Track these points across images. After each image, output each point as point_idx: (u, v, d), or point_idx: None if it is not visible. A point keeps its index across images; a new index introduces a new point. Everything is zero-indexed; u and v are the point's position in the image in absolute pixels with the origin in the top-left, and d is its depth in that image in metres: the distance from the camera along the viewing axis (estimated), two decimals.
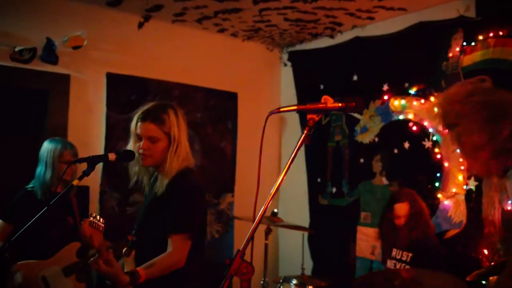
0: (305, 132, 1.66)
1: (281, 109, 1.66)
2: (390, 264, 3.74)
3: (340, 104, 1.61)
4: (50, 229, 3.41)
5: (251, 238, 1.67)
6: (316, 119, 1.61)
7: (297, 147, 1.60)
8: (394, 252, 3.73)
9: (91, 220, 2.04)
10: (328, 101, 1.61)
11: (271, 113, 1.68)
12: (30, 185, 3.49)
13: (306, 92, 5.37)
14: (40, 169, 3.47)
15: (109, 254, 2.08)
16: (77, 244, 3.45)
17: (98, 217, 2.13)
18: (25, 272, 3.27)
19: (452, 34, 3.94)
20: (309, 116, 1.64)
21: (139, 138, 2.44)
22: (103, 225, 2.10)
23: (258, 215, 1.69)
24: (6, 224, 3.38)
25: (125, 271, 2.25)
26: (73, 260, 3.37)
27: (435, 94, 4.05)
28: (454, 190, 3.90)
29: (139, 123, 2.43)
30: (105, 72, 4.52)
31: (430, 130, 4.10)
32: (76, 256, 3.40)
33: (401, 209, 3.66)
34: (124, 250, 2.34)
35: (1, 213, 3.43)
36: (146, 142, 2.40)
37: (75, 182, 2.31)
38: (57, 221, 3.44)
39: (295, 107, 1.66)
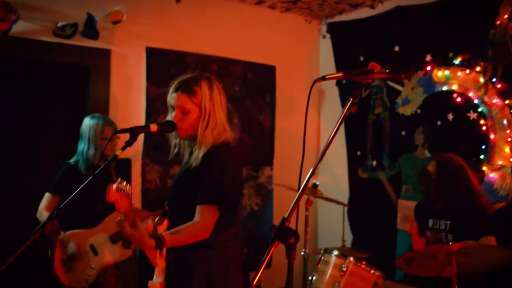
0: (351, 100, 1.62)
1: (327, 77, 1.63)
2: (430, 235, 3.68)
3: (387, 71, 1.57)
4: (95, 200, 3.50)
5: (296, 205, 1.66)
6: (364, 83, 1.57)
7: (342, 115, 1.57)
8: (431, 222, 3.66)
9: (116, 186, 2.07)
10: (375, 68, 1.57)
11: (316, 80, 1.65)
12: (73, 160, 3.58)
13: (345, 64, 5.27)
14: (82, 146, 3.55)
15: (135, 218, 2.11)
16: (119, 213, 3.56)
17: (124, 182, 2.16)
18: (74, 241, 3.40)
19: (499, 0, 3.79)
20: (355, 84, 1.60)
21: (173, 108, 2.44)
22: (129, 190, 2.14)
23: (304, 182, 1.68)
24: (54, 196, 3.50)
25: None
26: (118, 227, 3.47)
27: (481, 64, 3.91)
28: (500, 162, 3.79)
29: (173, 94, 2.44)
30: (144, 46, 4.55)
31: (476, 101, 3.98)
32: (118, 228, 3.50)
33: (429, 165, 3.63)
34: (156, 220, 2.36)
35: (49, 186, 3.54)
36: (178, 112, 2.40)
37: (118, 153, 2.33)
38: (100, 192, 3.50)
39: (341, 74, 1.62)
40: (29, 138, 4.26)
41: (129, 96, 4.52)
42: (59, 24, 4.10)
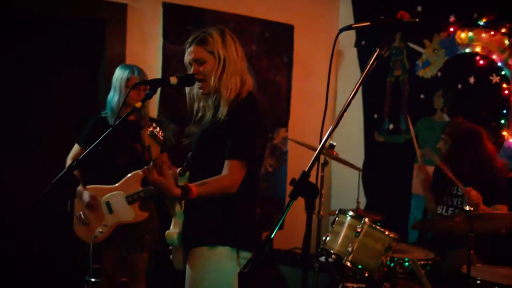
0: (377, 51, 1.57)
1: (353, 25, 1.58)
2: (445, 199, 3.66)
3: (417, 20, 1.51)
4: (118, 155, 3.46)
5: (317, 159, 1.63)
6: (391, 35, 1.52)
7: (369, 65, 1.52)
8: (448, 187, 3.64)
9: (151, 130, 2.04)
10: (405, 16, 1.51)
11: (342, 30, 1.59)
12: (103, 112, 3.54)
13: None
14: (110, 95, 3.50)
15: (163, 165, 2.09)
16: (141, 174, 3.45)
17: (158, 128, 2.12)
18: (91, 193, 3.40)
19: None
20: (382, 34, 1.54)
21: (191, 65, 2.42)
22: (162, 137, 2.10)
23: (324, 138, 1.65)
24: (82, 148, 3.47)
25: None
26: (137, 188, 3.42)
27: (507, 25, 3.80)
28: None
29: (187, 50, 2.42)
30: (161, 1, 4.47)
31: (499, 64, 3.88)
32: (141, 185, 3.45)
33: (444, 133, 3.63)
34: (178, 170, 2.35)
35: (78, 137, 3.53)
36: (196, 65, 2.38)
37: (138, 105, 2.30)
38: (125, 148, 3.47)
39: (368, 23, 1.57)
40: (43, 94, 4.25)
41: (145, 52, 4.46)
42: None
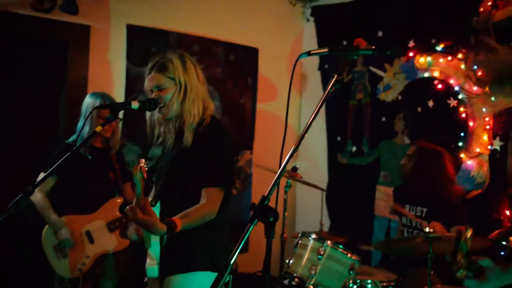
0: (335, 76, 1.60)
1: (312, 52, 1.61)
2: (405, 220, 3.73)
3: (373, 46, 1.54)
4: (92, 184, 3.38)
5: (277, 183, 1.64)
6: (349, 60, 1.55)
7: (327, 91, 1.55)
8: (408, 208, 3.72)
9: (141, 166, 1.99)
10: (361, 44, 1.55)
11: (301, 56, 1.62)
12: (71, 139, 3.40)
13: None
14: (80, 124, 3.39)
15: (146, 202, 2.06)
16: (119, 199, 3.46)
17: (145, 165, 2.08)
18: (69, 227, 3.27)
19: None
20: (340, 61, 1.58)
21: (151, 92, 2.41)
22: (146, 174, 2.07)
23: (284, 162, 1.65)
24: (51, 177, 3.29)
25: None
26: (115, 215, 3.37)
27: (464, 50, 3.92)
28: (478, 150, 3.82)
29: (147, 77, 2.41)
30: (125, 23, 4.45)
31: (456, 88, 3.99)
32: (119, 211, 3.40)
33: (409, 150, 3.73)
34: (150, 201, 2.32)
35: (44, 166, 3.32)
36: (156, 92, 2.37)
37: (98, 129, 2.30)
38: (99, 176, 3.41)
39: (326, 50, 1.60)
40: (3, 116, 4.15)
41: (108, 74, 4.43)
42: None
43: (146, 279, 2.37)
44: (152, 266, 2.29)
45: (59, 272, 3.27)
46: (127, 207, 2.06)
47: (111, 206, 3.38)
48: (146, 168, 2.01)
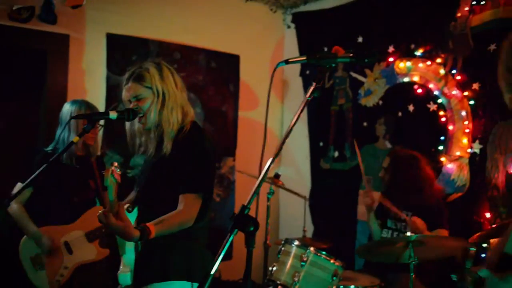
0: (314, 84, 1.60)
1: (290, 60, 1.61)
2: (390, 223, 3.75)
3: (351, 55, 1.55)
4: (72, 194, 3.32)
5: (256, 192, 1.63)
6: (326, 70, 1.56)
7: (305, 99, 1.55)
8: (389, 222, 3.75)
9: (113, 169, 1.96)
10: (339, 52, 1.56)
11: (279, 64, 1.62)
12: (50, 148, 3.33)
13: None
14: (61, 132, 3.29)
15: (119, 208, 2.03)
16: (99, 209, 3.34)
17: (117, 169, 2.05)
18: (47, 237, 3.20)
19: None
20: (318, 68, 1.58)
21: (129, 102, 2.39)
22: (119, 177, 2.04)
23: (264, 170, 1.65)
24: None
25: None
26: (95, 225, 3.27)
27: (442, 55, 3.97)
28: (458, 153, 3.86)
29: (125, 87, 2.39)
30: (105, 32, 4.42)
31: (436, 92, 4.03)
32: (99, 221, 3.34)
33: (384, 162, 3.76)
34: (126, 207, 2.30)
35: (22, 175, 3.21)
36: (134, 102, 2.36)
37: (75, 139, 2.29)
38: (78, 185, 3.35)
39: (304, 58, 1.60)
40: None
41: (88, 83, 4.39)
42: (15, 7, 3.94)
43: (119, 286, 2.34)
44: (124, 273, 2.26)
45: (37, 284, 3.20)
46: (100, 211, 2.03)
47: (90, 216, 3.31)
48: (120, 172, 1.98)
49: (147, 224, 2.10)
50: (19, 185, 3.18)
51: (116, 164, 2.01)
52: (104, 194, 3.51)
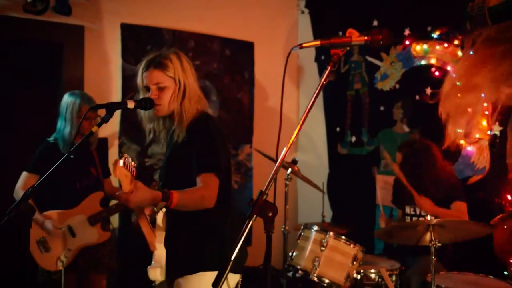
0: (329, 68, 1.59)
1: (304, 45, 1.60)
2: (408, 210, 3.74)
3: (365, 38, 1.53)
4: (74, 180, 3.43)
5: (274, 178, 1.64)
6: (341, 54, 1.55)
7: (320, 83, 1.54)
8: (408, 209, 3.73)
9: (123, 161, 1.95)
10: (353, 35, 1.54)
11: (293, 49, 1.61)
12: (52, 138, 3.46)
13: None
14: (60, 123, 3.43)
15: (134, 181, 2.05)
16: (100, 194, 3.51)
17: (130, 158, 2.03)
18: (51, 221, 3.33)
19: None
20: (333, 51, 1.58)
21: (147, 89, 2.39)
22: (134, 168, 2.03)
23: (281, 156, 1.65)
24: (31, 175, 3.37)
25: (157, 220, 2.27)
26: (97, 209, 3.45)
27: (459, 37, 3.91)
28: (477, 136, 3.81)
29: (144, 74, 2.39)
30: (119, 22, 4.44)
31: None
32: (100, 205, 3.48)
33: (396, 158, 3.75)
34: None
35: (26, 165, 3.43)
36: (154, 89, 2.36)
37: (94, 129, 2.30)
38: (81, 172, 3.47)
39: (318, 42, 1.59)
40: (1, 119, 4.15)
41: (104, 74, 4.42)
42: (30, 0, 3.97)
43: (153, 283, 2.37)
44: (154, 270, 2.29)
45: (43, 265, 3.33)
46: (117, 193, 2.07)
47: (92, 201, 3.45)
48: (134, 164, 1.99)
49: (171, 190, 2.13)
50: (25, 174, 3.39)
51: (125, 155, 2.02)
52: (105, 181, 3.69)
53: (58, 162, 2.19)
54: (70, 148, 3.35)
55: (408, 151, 3.68)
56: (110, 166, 3.86)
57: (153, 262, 2.33)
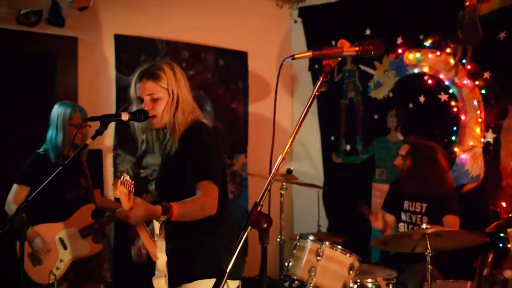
0: (321, 78, 1.60)
1: (296, 56, 1.60)
2: (404, 217, 3.73)
3: (357, 48, 1.54)
4: (65, 192, 3.42)
5: (268, 190, 1.63)
6: (333, 64, 1.55)
7: (313, 94, 1.54)
8: (406, 204, 3.72)
9: (122, 181, 1.94)
10: (345, 45, 1.55)
11: (285, 60, 1.61)
12: (42, 149, 3.44)
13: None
14: (51, 133, 3.42)
15: (133, 200, 2.01)
16: (91, 206, 3.50)
17: (127, 177, 2.02)
18: (42, 235, 3.31)
19: None
20: (325, 62, 1.58)
21: (140, 100, 2.38)
22: (132, 187, 2.02)
23: (275, 167, 1.65)
24: (22, 187, 3.34)
25: (154, 233, 2.24)
26: (88, 221, 3.44)
27: (451, 45, 3.94)
28: (471, 143, 3.83)
29: (137, 85, 2.38)
30: (113, 33, 4.43)
31: (446, 83, 4.00)
32: (91, 218, 3.47)
33: (402, 149, 3.71)
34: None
35: (16, 177, 3.40)
36: (148, 101, 2.35)
37: (89, 142, 2.30)
38: (71, 184, 3.46)
39: (310, 53, 1.59)
40: None
41: (98, 85, 4.41)
42: (23, 11, 3.96)
43: None
44: (159, 280, 2.28)
45: (35, 279, 3.30)
46: (117, 210, 2.03)
47: (83, 213, 3.44)
48: (131, 182, 1.98)
49: (170, 203, 2.11)
50: (16, 186, 3.36)
51: (124, 174, 2.02)
52: (94, 192, 3.68)
53: (53, 175, 2.17)
54: (60, 158, 3.36)
55: (416, 144, 3.68)
56: (105, 177, 3.86)
57: (156, 272, 2.31)
